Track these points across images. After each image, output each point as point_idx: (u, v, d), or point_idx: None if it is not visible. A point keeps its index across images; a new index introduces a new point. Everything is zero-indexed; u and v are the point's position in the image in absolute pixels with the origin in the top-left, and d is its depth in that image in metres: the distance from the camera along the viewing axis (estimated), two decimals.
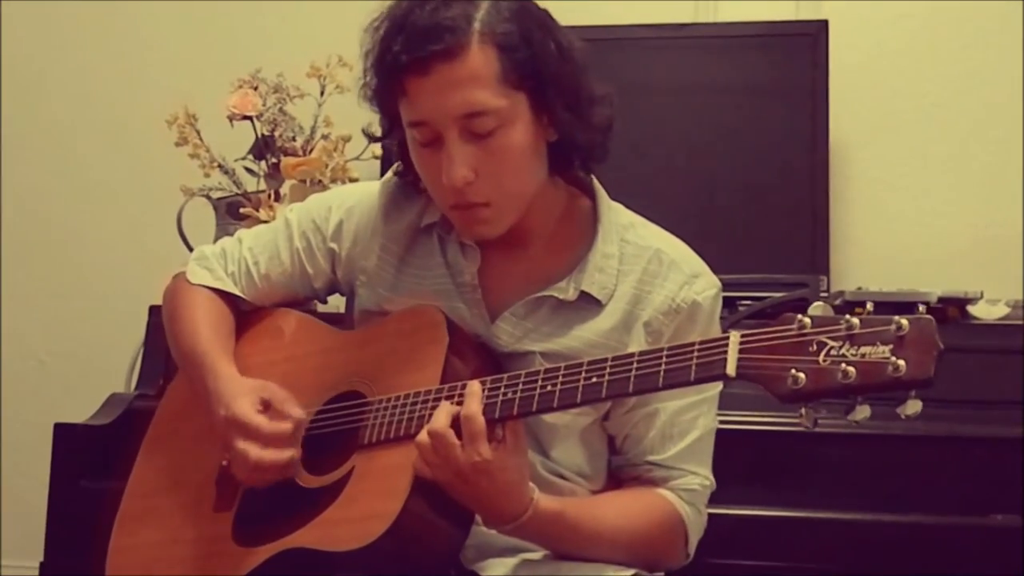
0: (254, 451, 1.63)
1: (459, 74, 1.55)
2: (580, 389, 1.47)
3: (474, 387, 1.51)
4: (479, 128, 1.57)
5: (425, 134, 1.60)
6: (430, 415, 1.54)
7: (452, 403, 1.52)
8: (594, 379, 1.47)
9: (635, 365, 1.45)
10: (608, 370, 1.46)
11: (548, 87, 1.61)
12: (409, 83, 1.57)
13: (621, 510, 1.64)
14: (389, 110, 1.67)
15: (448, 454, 1.49)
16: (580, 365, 1.49)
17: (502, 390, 1.52)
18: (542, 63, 1.60)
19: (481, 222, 1.64)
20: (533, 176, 1.65)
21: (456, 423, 1.50)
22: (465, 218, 1.64)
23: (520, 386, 1.51)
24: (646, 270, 1.68)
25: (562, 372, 1.49)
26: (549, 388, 1.49)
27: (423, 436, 1.50)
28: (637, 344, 1.65)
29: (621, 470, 1.71)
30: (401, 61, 1.56)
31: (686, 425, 1.67)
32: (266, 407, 1.66)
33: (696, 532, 1.70)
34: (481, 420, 1.48)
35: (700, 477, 1.69)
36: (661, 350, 1.44)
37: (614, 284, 1.67)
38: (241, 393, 1.68)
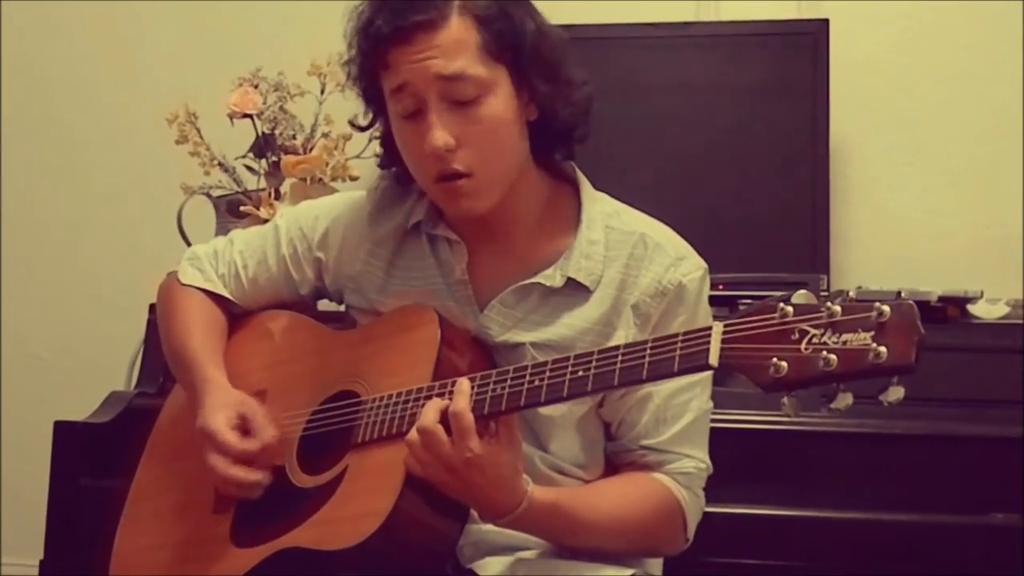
0: (222, 466, 1.66)
1: (440, 41, 1.60)
2: (567, 383, 1.48)
3: (463, 384, 1.52)
4: (460, 94, 1.61)
5: (406, 103, 1.63)
6: (422, 412, 1.55)
7: (442, 400, 1.52)
8: (580, 373, 1.47)
9: (620, 358, 1.45)
10: (594, 364, 1.47)
11: (528, 62, 1.64)
12: (391, 54, 1.62)
13: (617, 497, 1.65)
14: (374, 94, 1.70)
15: (438, 451, 1.49)
16: (567, 359, 1.49)
17: (491, 386, 1.53)
18: (521, 38, 1.64)
19: (464, 195, 1.64)
20: (515, 151, 1.67)
21: (445, 419, 1.50)
22: (448, 191, 1.65)
23: (508, 381, 1.52)
24: (632, 254, 1.69)
25: (549, 367, 1.50)
26: (536, 383, 1.50)
27: (413, 434, 1.51)
28: (625, 328, 1.66)
29: (616, 456, 1.72)
30: (383, 32, 1.61)
31: (679, 408, 1.68)
32: (243, 422, 1.68)
33: (694, 515, 1.70)
34: (470, 416, 1.49)
35: (696, 460, 1.70)
36: (645, 342, 1.45)
37: (601, 270, 1.68)
38: (220, 406, 1.70)
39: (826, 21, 2.67)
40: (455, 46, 1.60)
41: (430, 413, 1.51)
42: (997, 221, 2.75)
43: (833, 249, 2.64)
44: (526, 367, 1.52)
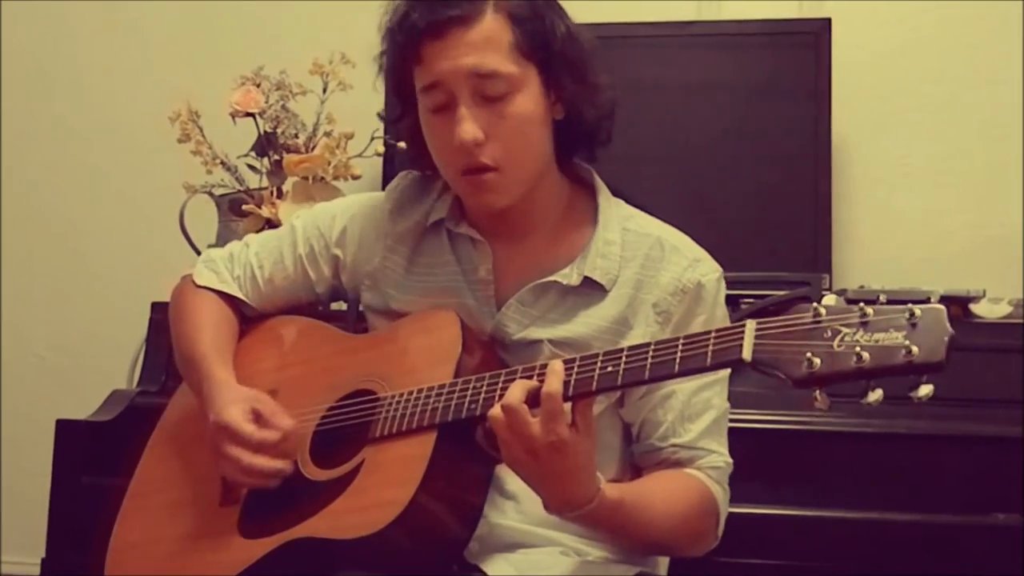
0: (245, 457, 1.66)
1: (474, 38, 1.62)
2: (596, 378, 1.48)
3: (556, 365, 1.50)
4: (490, 91, 1.62)
5: (437, 98, 1.65)
6: (444, 407, 1.57)
7: (529, 380, 1.50)
8: (609, 368, 1.48)
9: (651, 353, 1.46)
10: (624, 359, 1.47)
11: (557, 62, 1.66)
12: (425, 48, 1.63)
13: (666, 495, 1.65)
14: (404, 89, 1.71)
15: (523, 431, 1.47)
16: (596, 355, 1.50)
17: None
18: (552, 38, 1.66)
19: (489, 189, 1.66)
20: (540, 149, 1.69)
21: (529, 402, 1.48)
22: (473, 185, 1.67)
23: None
24: (648, 256, 1.70)
25: (578, 362, 1.49)
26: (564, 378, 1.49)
27: (496, 410, 1.49)
28: (644, 326, 1.67)
29: (645, 457, 1.72)
30: (418, 27, 1.63)
31: (702, 405, 1.69)
32: (257, 417, 1.68)
33: (725, 511, 1.71)
34: (561, 399, 1.47)
35: (722, 456, 1.71)
36: (677, 338, 1.46)
37: (617, 270, 1.70)
38: (232, 400, 1.70)
39: (828, 20, 2.67)
40: (488, 43, 1.62)
41: (517, 392, 1.48)
42: (999, 221, 2.75)
43: (835, 249, 2.64)
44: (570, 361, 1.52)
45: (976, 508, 2.07)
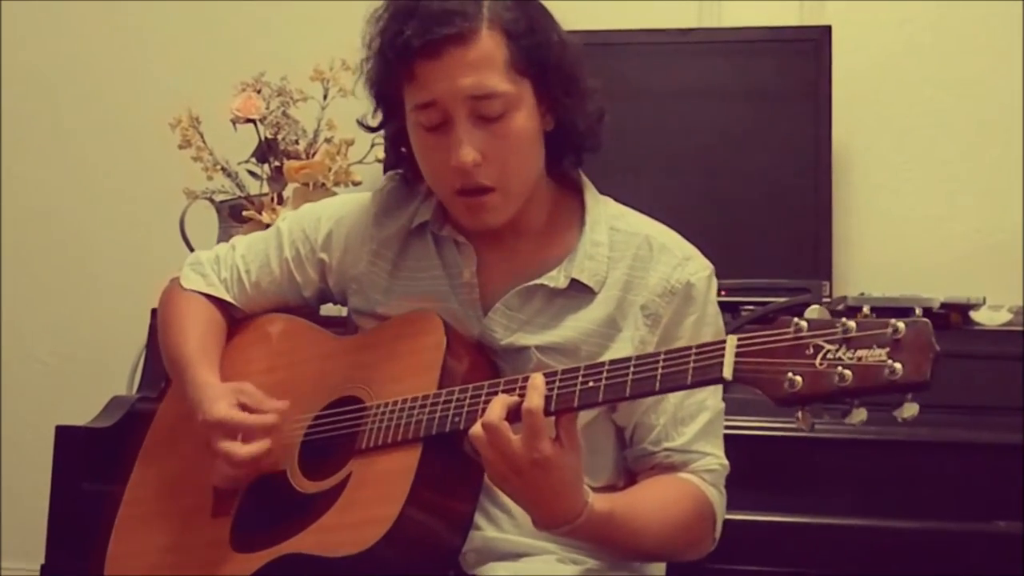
0: (239, 447, 1.65)
1: (470, 57, 1.59)
2: (577, 394, 1.47)
3: (536, 380, 1.49)
4: (488, 111, 1.60)
5: (432, 117, 1.62)
6: (428, 420, 1.56)
7: (510, 396, 1.50)
8: (591, 383, 1.47)
9: (632, 369, 1.45)
10: (605, 375, 1.46)
11: (551, 75, 1.64)
12: (419, 66, 1.60)
13: (660, 502, 1.63)
14: (390, 98, 1.69)
15: (504, 448, 1.46)
16: (577, 370, 1.49)
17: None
18: (546, 51, 1.64)
19: (486, 209, 1.65)
20: (535, 164, 1.68)
21: (510, 417, 1.48)
22: (470, 205, 1.65)
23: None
24: (636, 256, 1.69)
25: (559, 377, 1.49)
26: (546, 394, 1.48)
27: (476, 428, 1.48)
28: (633, 329, 1.66)
29: (639, 461, 1.71)
30: (412, 45, 1.59)
31: (695, 407, 1.68)
32: (244, 407, 1.68)
33: (721, 514, 1.70)
34: (542, 415, 1.46)
35: (717, 458, 1.70)
36: (658, 354, 1.45)
37: (605, 271, 1.68)
38: (217, 397, 1.69)
39: (828, 27, 2.67)
40: (485, 63, 1.59)
41: (497, 409, 1.47)
42: (1000, 227, 2.75)
43: (835, 255, 2.64)
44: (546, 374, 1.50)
45: (976, 515, 2.07)
